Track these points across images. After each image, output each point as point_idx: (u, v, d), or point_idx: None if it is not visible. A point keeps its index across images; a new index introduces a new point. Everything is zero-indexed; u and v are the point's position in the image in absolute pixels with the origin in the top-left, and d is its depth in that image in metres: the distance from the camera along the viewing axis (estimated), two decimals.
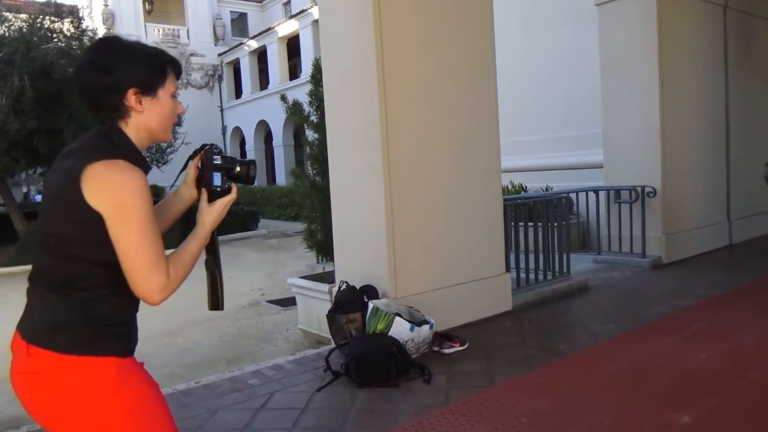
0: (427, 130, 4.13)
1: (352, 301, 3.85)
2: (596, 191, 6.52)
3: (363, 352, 3.39)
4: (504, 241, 4.72)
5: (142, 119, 1.38)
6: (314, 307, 5.09)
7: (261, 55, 25.34)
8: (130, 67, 1.36)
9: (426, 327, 3.70)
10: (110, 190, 1.24)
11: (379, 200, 3.89)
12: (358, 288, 3.91)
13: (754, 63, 7.62)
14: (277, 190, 20.17)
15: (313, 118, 5.53)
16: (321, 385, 3.28)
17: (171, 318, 6.12)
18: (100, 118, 1.37)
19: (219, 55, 27.61)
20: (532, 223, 5.34)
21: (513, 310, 4.64)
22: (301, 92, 7.32)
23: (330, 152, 4.40)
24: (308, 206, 5.53)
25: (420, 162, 4.09)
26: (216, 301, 1.56)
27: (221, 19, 28.74)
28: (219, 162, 1.52)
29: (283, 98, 5.70)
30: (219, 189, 1.51)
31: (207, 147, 1.55)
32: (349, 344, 3.56)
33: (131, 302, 1.37)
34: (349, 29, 4.07)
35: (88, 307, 1.31)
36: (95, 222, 1.24)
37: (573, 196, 6.37)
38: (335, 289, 4.11)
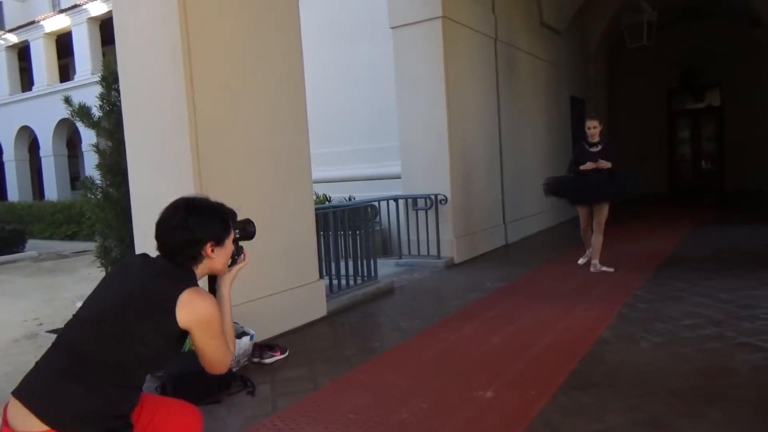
0: (237, 137, 4.05)
1: None
2: (396, 200, 7.01)
3: (178, 371, 3.17)
4: (317, 249, 4.82)
5: (211, 263, 1.75)
6: None
7: (22, 52, 22.02)
8: (208, 226, 1.72)
9: (246, 339, 3.61)
10: (199, 311, 1.60)
11: None
12: None
13: (515, 85, 8.96)
14: (48, 206, 17.61)
15: (105, 124, 5.01)
16: None
17: None
18: (176, 261, 1.69)
19: None
20: (342, 232, 5.54)
21: (328, 315, 4.76)
22: (77, 95, 6.56)
23: (130, 161, 4.05)
24: (101, 221, 4.98)
25: (232, 170, 3.99)
26: None
27: None
28: (239, 234, 1.83)
29: (67, 100, 5.06)
30: (236, 257, 1.84)
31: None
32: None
33: (138, 395, 1.68)
34: (152, 32, 3.80)
35: (117, 401, 1.54)
36: (172, 335, 1.60)
37: (376, 205, 6.76)
38: None
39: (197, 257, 1.71)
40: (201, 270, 1.74)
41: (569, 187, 6.23)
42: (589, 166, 5.83)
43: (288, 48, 4.51)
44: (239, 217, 1.86)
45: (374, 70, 8.41)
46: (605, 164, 5.79)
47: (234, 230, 1.81)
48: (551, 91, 10.60)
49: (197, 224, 1.69)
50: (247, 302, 3.96)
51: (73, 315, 1.69)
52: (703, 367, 3.21)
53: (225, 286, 1.83)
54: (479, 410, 2.82)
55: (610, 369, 3.27)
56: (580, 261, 6.47)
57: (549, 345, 3.76)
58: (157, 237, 1.73)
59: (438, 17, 6.77)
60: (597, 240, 6.04)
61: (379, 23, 7.59)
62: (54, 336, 5.97)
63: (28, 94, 21.36)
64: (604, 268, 5.99)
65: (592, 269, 6.04)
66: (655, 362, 3.33)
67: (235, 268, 1.86)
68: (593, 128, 5.95)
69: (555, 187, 6.39)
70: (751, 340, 3.57)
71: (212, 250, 1.72)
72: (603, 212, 5.96)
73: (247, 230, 1.87)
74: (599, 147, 5.94)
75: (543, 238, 9.07)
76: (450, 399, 2.98)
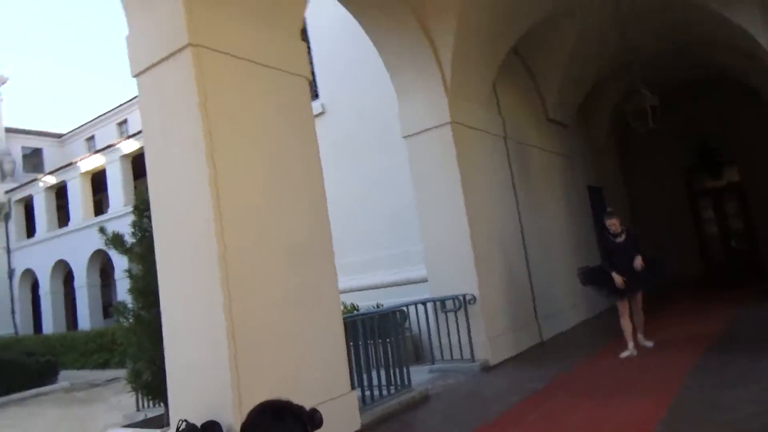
0: (265, 258, 4.14)
1: None
2: (424, 303, 6.93)
3: None
4: (347, 359, 4.73)
5: None
6: None
7: (60, 191, 23.31)
8: None
9: None
10: None
11: (220, 329, 3.71)
12: (199, 426, 3.56)
13: (530, 179, 9.12)
14: (81, 336, 17.77)
15: (137, 249, 5.20)
16: None
17: None
18: None
19: (6, 192, 24.77)
20: (372, 341, 5.45)
21: (362, 429, 4.57)
22: (110, 226, 6.86)
23: (162, 284, 4.14)
24: (133, 344, 5.01)
25: (260, 289, 4.04)
26: None
27: (10, 155, 26.23)
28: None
29: (102, 230, 5.30)
30: None
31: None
32: None
33: None
34: (181, 161, 4.04)
35: None
36: None
37: (405, 310, 6.69)
38: None
39: None
40: None
41: (605, 281, 6.40)
42: (638, 264, 6.11)
43: (308, 166, 4.72)
44: None
45: (392, 178, 8.67)
46: (640, 263, 6.11)
47: None
48: (567, 182, 10.75)
49: (281, 428, 1.98)
50: None
51: None
52: None
53: None
54: None
55: None
56: (623, 355, 6.23)
57: None
58: None
59: (447, 123, 7.08)
60: (639, 318, 6.46)
61: (392, 133, 7.95)
62: None
63: (64, 230, 22.31)
64: (646, 343, 6.43)
65: (641, 345, 6.38)
66: None
67: None
68: (612, 225, 6.48)
69: (590, 278, 6.74)
70: None
71: None
72: (639, 296, 6.42)
73: (315, 421, 2.19)
74: (623, 236, 6.40)
75: (579, 333, 8.77)
76: None
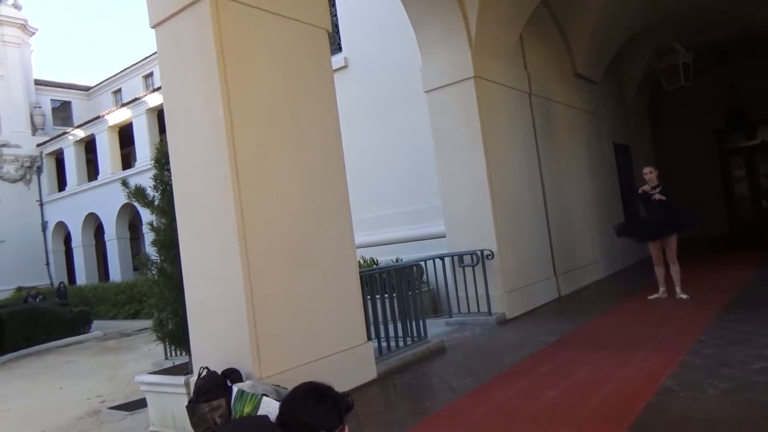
0: (281, 207, 4.20)
1: (214, 387, 3.62)
2: (442, 258, 6.99)
3: None
4: (363, 311, 4.84)
5: None
6: (169, 404, 4.67)
7: (89, 145, 23.74)
8: (327, 418, 1.99)
9: None
10: None
11: (237, 278, 3.82)
12: (219, 373, 3.71)
13: (554, 136, 8.96)
14: (112, 287, 18.41)
15: (159, 202, 5.30)
16: None
17: None
18: None
19: (38, 145, 25.29)
20: (387, 295, 5.55)
21: (378, 378, 4.70)
22: (137, 180, 6.99)
23: (181, 234, 4.26)
24: (156, 294, 5.17)
25: (277, 238, 4.12)
26: None
27: (40, 107, 26.60)
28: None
29: (125, 183, 5.40)
30: None
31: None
32: None
33: None
34: (198, 114, 4.08)
35: None
36: None
37: (422, 264, 6.76)
38: (193, 379, 3.85)
39: None
40: None
41: (638, 228, 7.25)
42: (657, 197, 6.58)
43: (326, 122, 4.72)
44: None
45: (412, 134, 8.63)
46: (660, 196, 6.57)
47: (345, 424, 2.10)
48: (592, 140, 10.54)
49: (320, 413, 2.01)
50: (296, 367, 3.99)
51: None
52: None
53: None
54: None
55: (675, 419, 3.08)
56: (651, 297, 6.86)
57: (608, 397, 3.59)
58: (281, 412, 2.13)
59: (470, 77, 6.96)
60: (675, 271, 6.74)
61: (414, 89, 7.86)
62: (117, 412, 6.12)
63: (93, 183, 22.83)
64: (684, 296, 6.64)
65: (677, 297, 6.66)
66: (725, 410, 3.12)
67: None
68: (649, 173, 6.78)
69: (625, 229, 7.38)
70: None
71: None
72: (672, 245, 6.66)
73: (348, 406, 2.16)
74: (658, 189, 6.69)
75: (598, 289, 8.77)
76: None
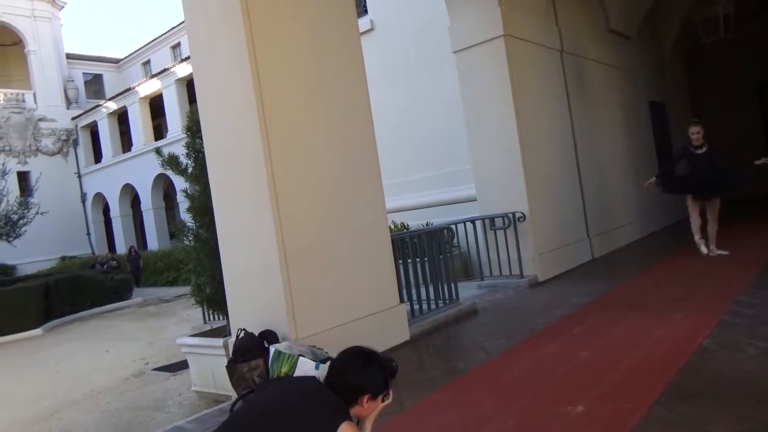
0: (312, 170, 4.22)
1: (252, 348, 3.72)
2: (473, 221, 6.96)
3: None
4: (395, 274, 4.88)
5: (360, 410, 2.09)
6: (209, 365, 4.85)
7: (121, 117, 24.13)
8: (373, 382, 2.08)
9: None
10: None
11: (271, 243, 3.88)
12: (257, 334, 3.81)
13: (587, 95, 8.71)
14: (151, 255, 18.99)
15: (192, 170, 5.39)
16: None
17: (34, 405, 5.53)
18: (338, 395, 2.04)
19: (73, 118, 25.85)
20: (419, 259, 5.57)
21: (411, 339, 4.77)
22: (170, 150, 7.09)
23: (215, 200, 4.32)
24: (194, 260, 5.31)
25: (309, 202, 4.15)
26: None
27: (73, 81, 27.03)
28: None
29: (158, 152, 5.50)
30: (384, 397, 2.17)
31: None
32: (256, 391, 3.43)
33: None
34: (227, 81, 4.09)
35: None
36: None
37: (453, 227, 6.75)
38: (231, 341, 3.96)
39: (352, 402, 2.07)
40: (351, 411, 2.06)
41: (680, 184, 7.08)
42: (763, 161, 6.32)
43: (354, 84, 4.67)
44: None
45: (441, 97, 8.51)
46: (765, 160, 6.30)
47: (390, 388, 2.15)
48: (627, 98, 10.21)
49: (366, 375, 2.07)
50: (330, 329, 4.07)
51: (244, 407, 2.22)
52: None
53: (369, 421, 2.16)
54: (568, 425, 2.72)
55: (713, 378, 3.05)
56: (704, 249, 6.78)
57: (643, 356, 3.57)
58: (330, 373, 2.15)
59: (500, 36, 6.78)
60: (713, 228, 6.70)
61: (443, 51, 7.71)
62: (160, 373, 6.38)
63: (128, 155, 23.29)
64: (720, 252, 6.66)
65: (710, 254, 6.68)
66: (765, 369, 3.07)
67: (381, 406, 2.16)
68: (696, 133, 6.55)
69: (670, 185, 7.14)
70: None
71: (366, 402, 2.08)
72: (715, 206, 6.65)
73: (393, 371, 2.18)
74: (704, 149, 6.52)
75: (632, 251, 8.62)
76: (537, 415, 2.90)
